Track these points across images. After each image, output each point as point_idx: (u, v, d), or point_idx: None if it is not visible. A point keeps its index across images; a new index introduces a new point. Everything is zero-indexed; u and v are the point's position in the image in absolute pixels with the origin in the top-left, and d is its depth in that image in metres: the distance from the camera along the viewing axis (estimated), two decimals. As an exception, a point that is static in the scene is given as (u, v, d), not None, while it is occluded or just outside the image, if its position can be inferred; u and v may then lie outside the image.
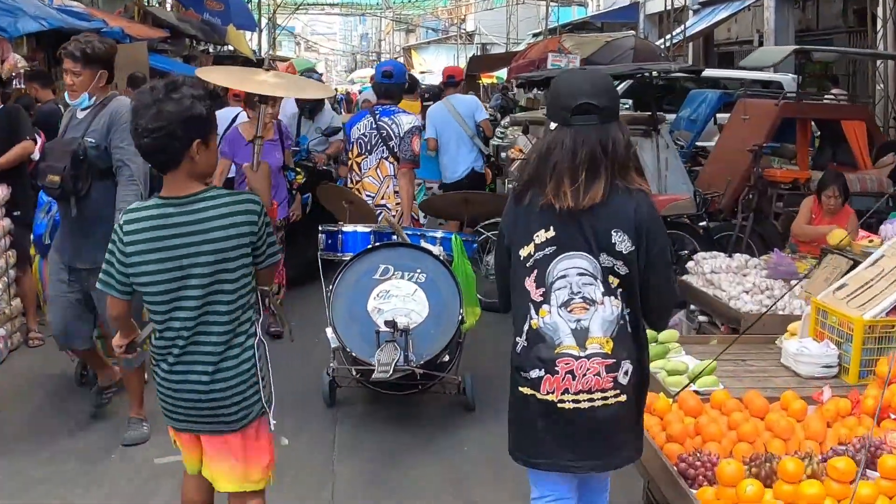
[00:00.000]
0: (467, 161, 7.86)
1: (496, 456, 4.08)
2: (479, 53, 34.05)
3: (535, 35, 24.27)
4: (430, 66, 42.17)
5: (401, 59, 56.39)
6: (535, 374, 2.64)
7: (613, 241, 2.60)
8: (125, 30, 11.25)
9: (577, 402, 2.60)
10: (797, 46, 9.02)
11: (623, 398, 2.64)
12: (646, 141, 8.11)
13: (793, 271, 5.83)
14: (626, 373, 2.64)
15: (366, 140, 5.62)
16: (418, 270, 4.77)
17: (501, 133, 12.16)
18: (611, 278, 2.62)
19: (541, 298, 2.65)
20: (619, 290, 2.63)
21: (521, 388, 2.69)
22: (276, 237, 3.18)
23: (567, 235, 2.62)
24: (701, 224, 7.18)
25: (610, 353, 2.61)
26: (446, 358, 4.83)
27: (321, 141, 8.24)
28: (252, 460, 2.87)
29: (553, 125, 2.66)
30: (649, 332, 2.94)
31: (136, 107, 2.70)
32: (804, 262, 5.85)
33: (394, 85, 5.77)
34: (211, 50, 19.66)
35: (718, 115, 10.58)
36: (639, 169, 2.97)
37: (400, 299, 4.69)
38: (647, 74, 9.11)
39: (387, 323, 4.58)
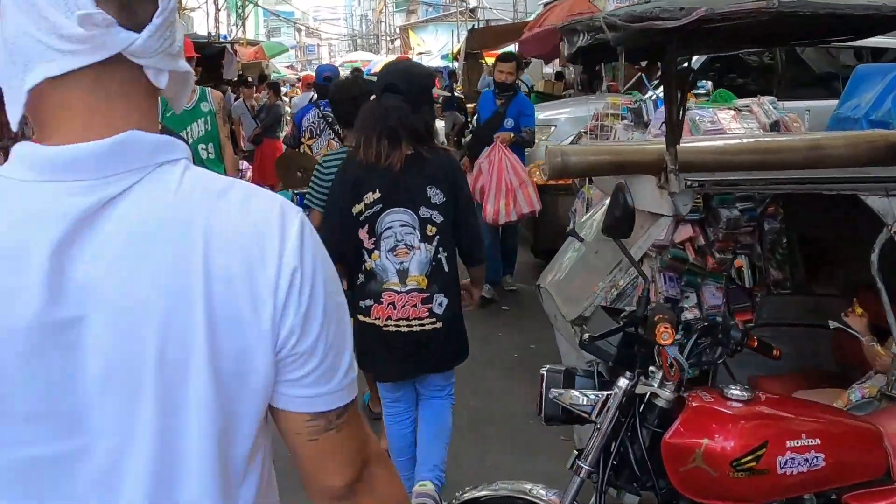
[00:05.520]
0: None
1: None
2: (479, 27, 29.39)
3: (545, 5, 19.70)
4: (428, 47, 39.86)
5: (398, 41, 52.84)
6: (367, 303, 3.33)
7: (429, 196, 3.28)
8: None
9: (399, 326, 3.29)
10: None
11: (439, 325, 3.30)
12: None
13: None
14: (440, 304, 3.29)
15: (315, 127, 6.69)
16: None
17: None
18: (429, 227, 3.28)
19: (372, 246, 3.29)
20: (437, 237, 3.28)
21: (358, 316, 3.31)
22: None
23: (391, 195, 3.26)
24: None
25: (425, 288, 3.28)
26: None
27: None
28: None
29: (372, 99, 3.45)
30: None
31: None
32: None
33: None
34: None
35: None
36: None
37: None
38: None
39: None
